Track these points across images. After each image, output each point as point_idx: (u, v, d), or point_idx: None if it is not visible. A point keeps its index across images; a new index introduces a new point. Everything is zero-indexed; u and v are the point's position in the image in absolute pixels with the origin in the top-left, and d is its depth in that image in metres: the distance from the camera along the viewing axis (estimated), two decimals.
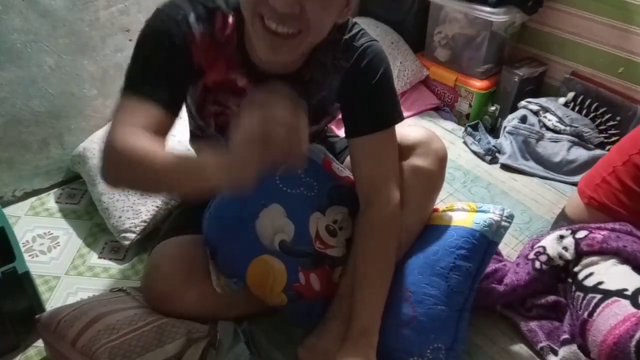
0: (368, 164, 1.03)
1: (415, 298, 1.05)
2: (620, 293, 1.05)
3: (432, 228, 1.12)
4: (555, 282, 1.21)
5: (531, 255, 1.21)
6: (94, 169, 1.47)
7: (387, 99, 1.02)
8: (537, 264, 1.19)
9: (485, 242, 1.08)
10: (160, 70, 0.89)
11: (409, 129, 1.09)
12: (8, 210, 1.50)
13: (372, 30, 2.03)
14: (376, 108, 1.00)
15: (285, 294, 1.07)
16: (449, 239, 1.08)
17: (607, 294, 1.06)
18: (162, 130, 0.90)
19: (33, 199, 1.57)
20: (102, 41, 1.51)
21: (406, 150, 1.06)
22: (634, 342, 0.96)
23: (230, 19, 0.94)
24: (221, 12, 0.93)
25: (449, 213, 1.14)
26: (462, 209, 1.14)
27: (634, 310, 1.01)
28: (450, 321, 1.05)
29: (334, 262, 1.10)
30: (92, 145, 1.51)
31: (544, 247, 1.20)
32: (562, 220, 1.38)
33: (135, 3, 1.52)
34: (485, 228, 1.08)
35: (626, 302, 1.03)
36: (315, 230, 1.07)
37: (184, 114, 1.30)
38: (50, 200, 1.58)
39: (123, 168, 0.82)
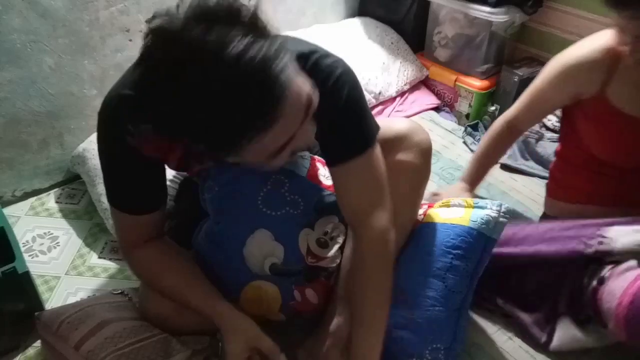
0: (349, 192, 0.96)
1: (412, 300, 1.04)
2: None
3: (428, 226, 1.10)
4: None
5: (590, 241, 1.07)
6: (93, 169, 1.47)
7: (358, 122, 0.93)
8: (590, 250, 1.06)
9: (482, 240, 1.06)
10: (132, 184, 0.92)
11: (392, 122, 1.05)
12: (8, 211, 1.50)
13: (372, 30, 2.03)
14: (348, 134, 0.92)
15: (282, 313, 1.06)
16: (445, 239, 1.06)
17: (619, 263, 1.03)
18: (163, 218, 1.00)
19: (33, 199, 1.58)
20: (102, 41, 1.51)
21: (389, 144, 1.01)
22: None
23: None
24: None
25: (445, 210, 1.12)
26: (458, 204, 1.12)
27: None
28: (448, 321, 1.04)
29: (329, 273, 1.08)
30: (92, 145, 1.51)
31: (610, 239, 1.06)
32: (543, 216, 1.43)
33: (135, 3, 1.52)
34: (483, 225, 1.05)
35: (634, 263, 1.00)
36: (306, 247, 1.05)
37: None
38: (50, 200, 1.58)
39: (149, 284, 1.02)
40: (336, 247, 1.08)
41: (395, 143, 1.02)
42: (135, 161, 0.88)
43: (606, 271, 1.03)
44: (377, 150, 0.95)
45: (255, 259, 1.02)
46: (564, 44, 1.86)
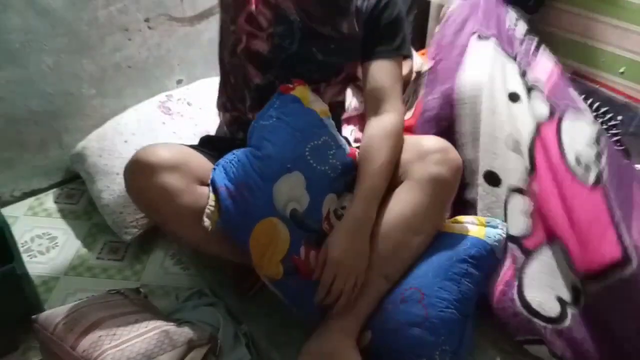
0: (382, 78, 1.14)
1: (428, 300, 1.06)
2: None
3: (447, 236, 1.15)
4: None
5: None
6: (93, 167, 1.46)
7: (396, 34, 1.16)
8: None
9: (492, 256, 1.13)
10: None
11: (425, 138, 1.14)
12: (6, 211, 1.50)
13: None
14: (386, 39, 1.15)
15: (282, 265, 1.07)
16: (463, 247, 1.11)
17: None
18: None
19: (31, 199, 1.57)
20: (101, 40, 1.50)
21: (423, 156, 1.09)
22: None
23: None
24: None
25: (459, 225, 1.18)
26: (471, 222, 1.17)
27: None
28: (458, 325, 1.07)
29: None
30: (91, 143, 1.50)
31: None
32: None
33: (134, 2, 1.51)
34: (496, 243, 1.13)
35: None
36: (326, 211, 1.10)
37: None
38: (48, 200, 1.57)
39: None
40: None
41: (429, 155, 1.08)
42: None
43: None
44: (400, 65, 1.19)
45: (281, 197, 1.06)
46: (567, 43, 1.86)
